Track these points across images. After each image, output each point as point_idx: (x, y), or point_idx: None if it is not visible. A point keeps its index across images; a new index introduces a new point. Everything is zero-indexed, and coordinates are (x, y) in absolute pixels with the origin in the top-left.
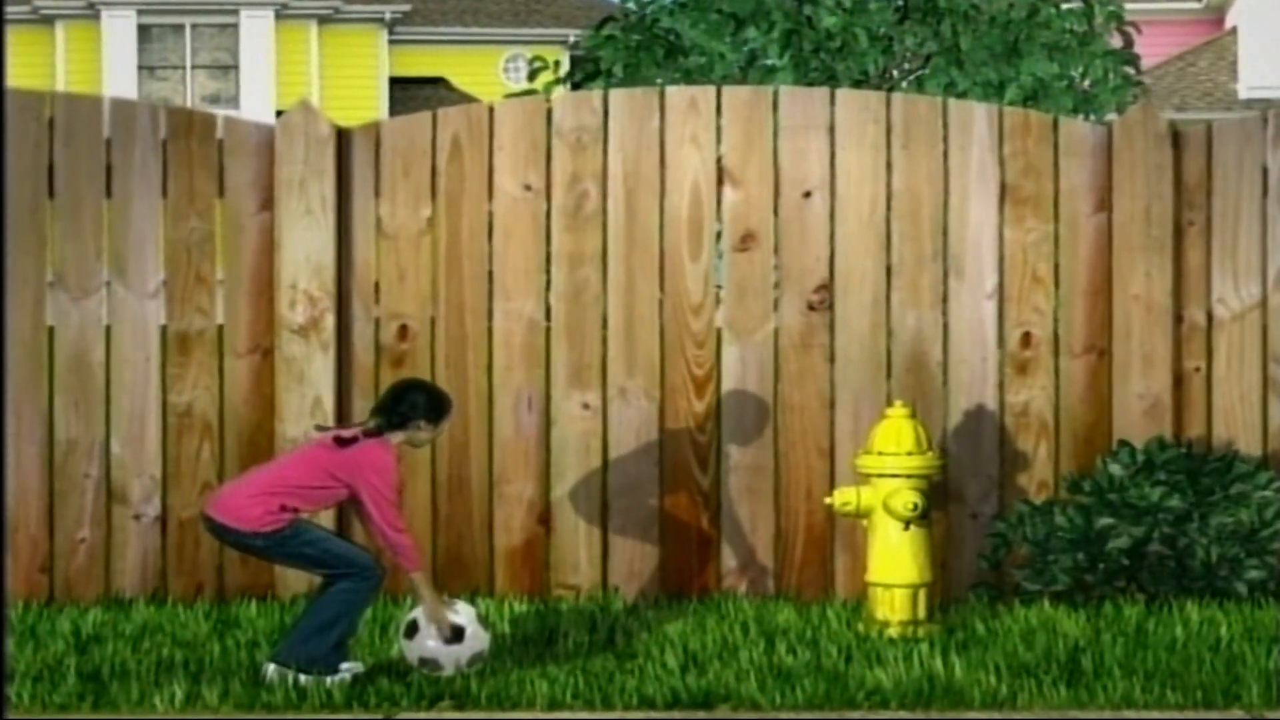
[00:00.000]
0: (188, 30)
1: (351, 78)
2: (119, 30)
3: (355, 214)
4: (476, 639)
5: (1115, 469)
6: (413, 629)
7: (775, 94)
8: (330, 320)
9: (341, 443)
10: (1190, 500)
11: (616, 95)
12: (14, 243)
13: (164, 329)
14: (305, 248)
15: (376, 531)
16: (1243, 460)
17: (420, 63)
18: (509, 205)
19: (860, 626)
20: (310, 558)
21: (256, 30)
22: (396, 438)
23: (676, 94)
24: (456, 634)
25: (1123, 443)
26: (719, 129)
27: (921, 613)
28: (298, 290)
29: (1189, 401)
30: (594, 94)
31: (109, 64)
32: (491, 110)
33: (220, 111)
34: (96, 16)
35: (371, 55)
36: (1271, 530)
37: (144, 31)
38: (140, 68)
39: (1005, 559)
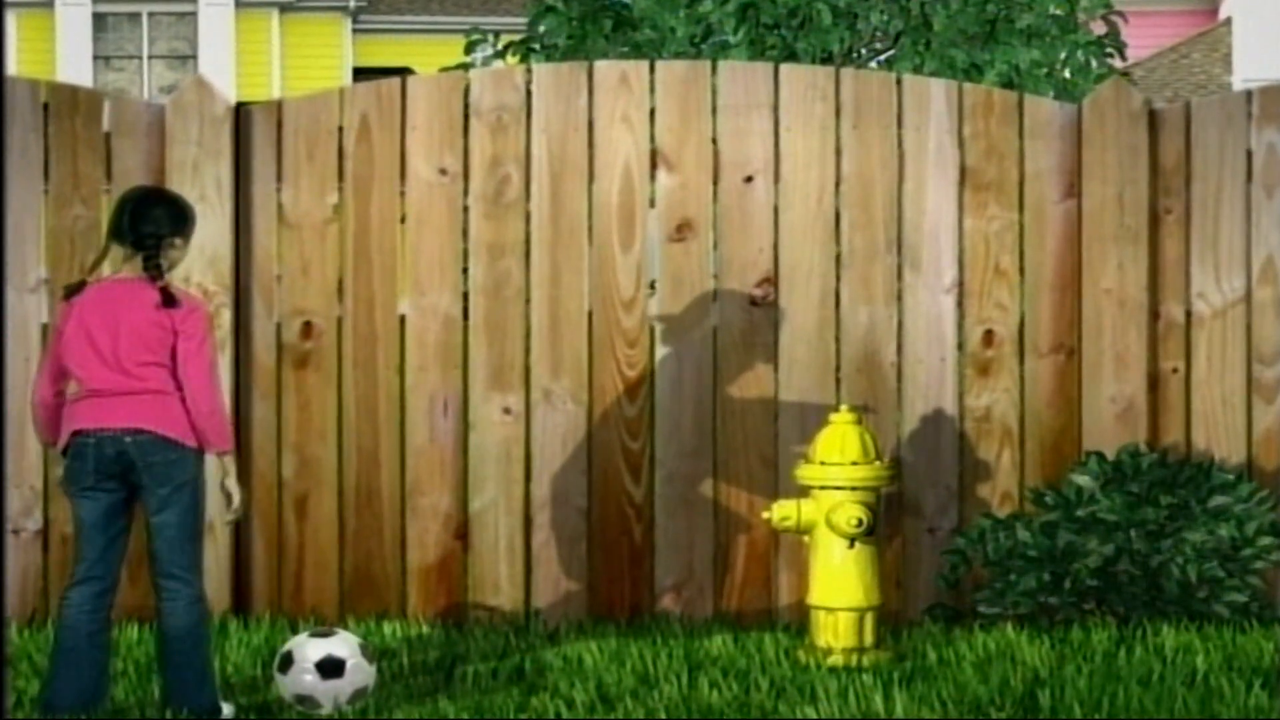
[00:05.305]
0: (144, 19)
1: (314, 68)
2: (74, 19)
3: (255, 200)
4: (359, 673)
5: (1084, 479)
6: (287, 662)
7: (714, 69)
8: (227, 316)
9: (165, 303)
10: (1165, 514)
11: (540, 71)
12: None
13: (46, 327)
14: (199, 237)
15: (195, 402)
16: (1223, 469)
17: (385, 52)
18: (423, 191)
19: (800, 654)
20: (191, 526)
21: (215, 19)
22: (165, 266)
23: (606, 69)
24: (336, 667)
25: (1092, 451)
26: (653, 107)
27: (868, 639)
28: (191, 284)
29: (1165, 405)
30: (516, 69)
31: (63, 54)
32: (404, 87)
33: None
34: (51, 5)
35: (335, 45)
36: (1255, 548)
37: (99, 20)
38: (96, 58)
39: (965, 578)
